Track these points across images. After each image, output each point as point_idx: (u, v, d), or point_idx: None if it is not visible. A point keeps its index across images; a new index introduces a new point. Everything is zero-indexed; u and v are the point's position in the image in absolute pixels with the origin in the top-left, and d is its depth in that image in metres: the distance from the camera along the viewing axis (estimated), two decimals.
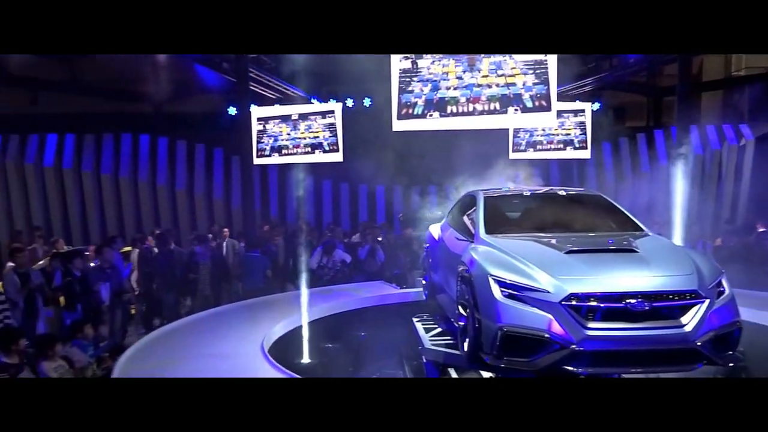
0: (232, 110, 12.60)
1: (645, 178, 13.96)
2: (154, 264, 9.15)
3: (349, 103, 11.81)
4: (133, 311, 9.15)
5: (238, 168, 13.38)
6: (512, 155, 12.13)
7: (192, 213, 13.86)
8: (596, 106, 13.25)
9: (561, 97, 11.97)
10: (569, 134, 12.75)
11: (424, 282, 7.21)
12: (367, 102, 11.74)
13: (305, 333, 6.45)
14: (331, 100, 11.56)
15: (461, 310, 4.92)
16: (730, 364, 4.29)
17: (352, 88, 11.60)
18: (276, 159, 11.26)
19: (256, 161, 11.20)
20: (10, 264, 7.39)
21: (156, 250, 9.42)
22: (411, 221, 8.82)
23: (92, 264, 8.41)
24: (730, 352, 4.22)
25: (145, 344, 6.07)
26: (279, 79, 11.81)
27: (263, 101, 12.07)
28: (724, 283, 4.30)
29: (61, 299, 7.60)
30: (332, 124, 11.02)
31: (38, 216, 13.44)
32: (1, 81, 13.07)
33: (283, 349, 6.06)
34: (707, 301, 4.07)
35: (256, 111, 11.27)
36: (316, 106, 11.59)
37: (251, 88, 11.34)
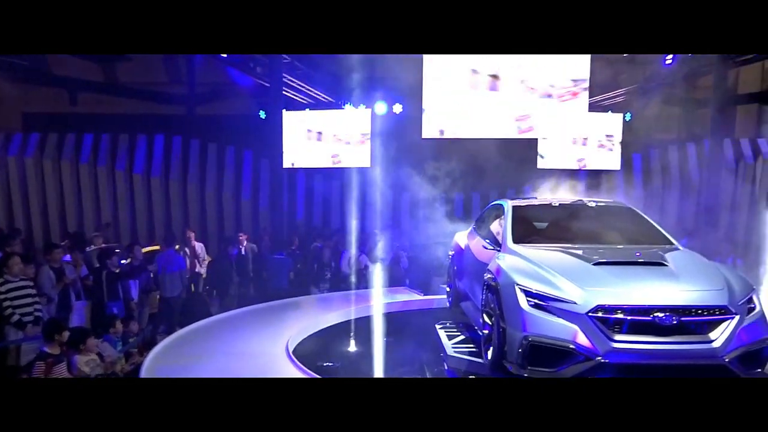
0: (263, 114, 12.80)
1: (675, 191, 13.74)
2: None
3: (380, 110, 11.89)
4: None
5: (267, 171, 13.57)
6: (540, 164, 12.07)
7: (220, 214, 14.08)
8: (627, 116, 13.13)
9: (593, 108, 11.92)
10: (599, 144, 12.67)
11: (448, 289, 7.22)
12: (398, 109, 11.81)
13: (328, 336, 6.51)
14: (361, 105, 11.65)
15: (486, 319, 4.93)
16: None
17: (383, 95, 11.67)
18: (305, 163, 11.39)
19: (285, 164, 11.35)
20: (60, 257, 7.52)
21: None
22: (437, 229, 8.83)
23: (123, 261, 8.61)
24: (759, 370, 4.15)
25: (172, 341, 6.20)
26: (311, 84, 11.95)
27: (294, 106, 12.23)
28: (755, 299, 4.24)
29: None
30: (361, 130, 11.10)
31: (73, 213, 13.82)
32: (43, 81, 13.49)
33: (307, 350, 6.12)
34: (737, 317, 4.01)
35: (287, 115, 11.40)
36: (346, 111, 11.69)
37: (283, 92, 11.50)
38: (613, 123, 12.88)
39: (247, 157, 14.07)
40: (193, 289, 9.43)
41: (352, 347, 6.44)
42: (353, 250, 9.57)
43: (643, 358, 3.98)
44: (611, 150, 12.77)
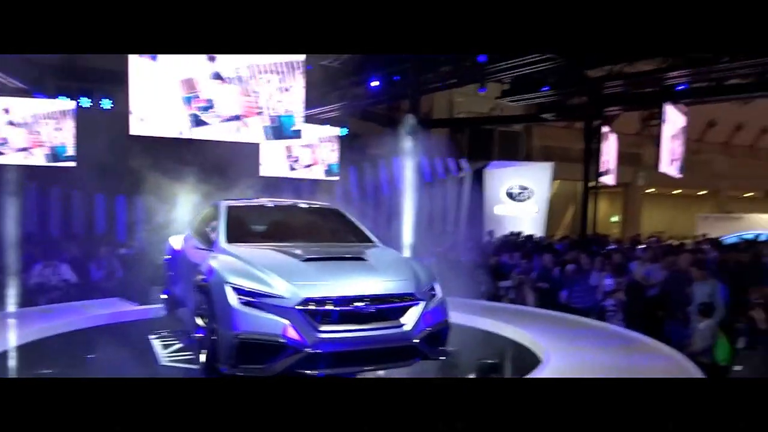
0: None
1: (385, 201, 15.33)
2: None
3: (85, 103, 10.66)
4: None
5: None
6: (262, 172, 12.27)
7: None
8: (344, 131, 14.21)
9: (310, 120, 12.57)
10: (320, 156, 13.45)
11: (164, 296, 6.85)
12: (107, 104, 10.74)
13: (11, 357, 5.55)
14: (60, 97, 10.28)
15: (199, 321, 4.80)
16: (441, 358, 4.91)
17: (87, 87, 10.51)
18: None
19: None
20: None
21: None
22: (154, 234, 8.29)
23: None
24: (441, 348, 4.84)
25: None
26: None
27: None
28: (437, 287, 4.93)
29: None
30: (63, 124, 9.81)
31: None
32: None
33: None
34: (422, 303, 4.61)
35: None
36: (43, 102, 10.19)
37: None
38: (331, 136, 13.80)
39: None
40: None
41: (44, 369, 5.60)
42: (43, 260, 8.38)
43: (348, 345, 4.31)
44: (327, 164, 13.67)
